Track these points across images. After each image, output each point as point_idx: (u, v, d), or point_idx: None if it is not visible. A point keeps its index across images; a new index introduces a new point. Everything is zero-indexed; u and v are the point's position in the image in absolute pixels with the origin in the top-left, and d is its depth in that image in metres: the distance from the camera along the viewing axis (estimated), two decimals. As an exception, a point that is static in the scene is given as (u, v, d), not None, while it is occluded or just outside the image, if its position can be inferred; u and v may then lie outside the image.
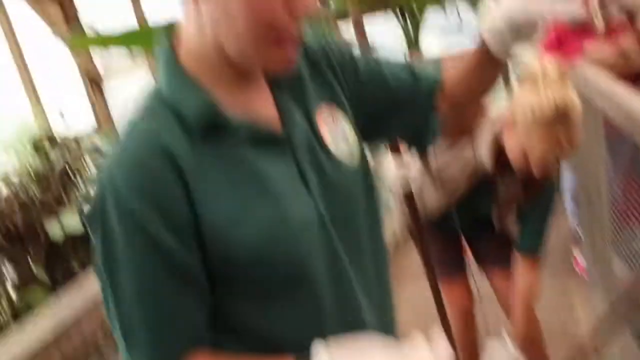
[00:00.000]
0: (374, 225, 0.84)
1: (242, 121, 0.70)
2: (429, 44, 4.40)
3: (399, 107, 0.90)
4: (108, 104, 5.34)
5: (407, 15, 4.19)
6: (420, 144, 0.99)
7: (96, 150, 3.99)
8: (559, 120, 1.28)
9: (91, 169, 3.95)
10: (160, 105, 0.69)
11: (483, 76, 0.88)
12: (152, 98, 0.71)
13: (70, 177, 3.76)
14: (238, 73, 0.72)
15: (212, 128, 0.68)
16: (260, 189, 0.69)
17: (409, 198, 1.60)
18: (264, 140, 0.72)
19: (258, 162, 0.70)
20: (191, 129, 0.67)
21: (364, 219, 0.82)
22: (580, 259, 2.62)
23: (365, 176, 0.84)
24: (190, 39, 0.71)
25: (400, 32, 4.18)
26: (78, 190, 3.77)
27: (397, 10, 4.13)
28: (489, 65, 0.84)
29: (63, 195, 3.70)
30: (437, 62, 0.94)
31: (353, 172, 0.81)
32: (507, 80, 3.68)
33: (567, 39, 2.19)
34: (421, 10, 4.12)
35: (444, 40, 4.58)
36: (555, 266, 2.51)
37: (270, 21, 0.65)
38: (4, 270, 3.40)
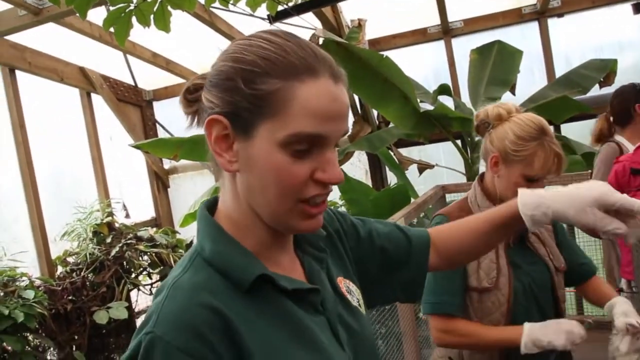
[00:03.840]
0: None
1: (284, 276, 0.75)
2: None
3: (395, 268, 0.98)
4: (169, 199, 5.62)
5: (465, 139, 4.33)
6: (411, 298, 1.05)
7: (152, 241, 4.14)
8: None
9: (144, 259, 4.08)
10: (203, 264, 0.73)
11: (496, 237, 0.99)
12: (195, 258, 0.74)
13: (123, 265, 3.89)
14: (270, 235, 0.77)
15: (258, 283, 0.71)
16: (305, 343, 0.72)
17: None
18: (303, 294, 0.76)
19: (301, 315, 0.74)
20: (237, 285, 0.70)
21: None
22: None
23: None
24: (227, 205, 0.77)
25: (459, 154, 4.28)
26: (129, 279, 3.87)
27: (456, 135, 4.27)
28: (509, 230, 0.96)
29: (114, 282, 3.81)
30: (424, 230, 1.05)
31: (367, 320, 0.88)
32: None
33: (627, 184, 2.21)
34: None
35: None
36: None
37: (298, 191, 0.70)
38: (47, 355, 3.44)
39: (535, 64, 4.57)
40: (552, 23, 4.56)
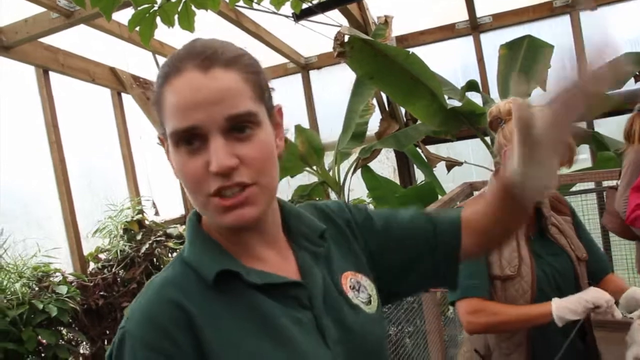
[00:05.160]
0: None
1: (256, 271, 0.75)
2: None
3: (418, 260, 0.91)
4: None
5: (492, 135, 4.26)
6: (440, 285, 0.99)
7: (181, 239, 4.20)
8: None
9: (173, 256, 4.14)
10: (180, 263, 0.77)
11: (508, 212, 0.88)
12: (176, 259, 0.79)
13: (153, 261, 3.95)
14: (232, 232, 0.77)
15: (225, 278, 0.73)
16: (273, 338, 0.71)
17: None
18: (280, 288, 0.75)
19: (272, 309, 0.73)
20: (205, 280, 0.73)
21: None
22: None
23: (383, 324, 0.88)
24: None
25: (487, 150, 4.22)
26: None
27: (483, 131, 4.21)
28: (512, 204, 0.86)
29: (144, 278, 3.88)
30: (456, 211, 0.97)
31: (372, 319, 0.83)
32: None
33: None
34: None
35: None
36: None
37: (201, 186, 0.71)
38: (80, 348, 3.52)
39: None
40: (585, 16, 4.45)
